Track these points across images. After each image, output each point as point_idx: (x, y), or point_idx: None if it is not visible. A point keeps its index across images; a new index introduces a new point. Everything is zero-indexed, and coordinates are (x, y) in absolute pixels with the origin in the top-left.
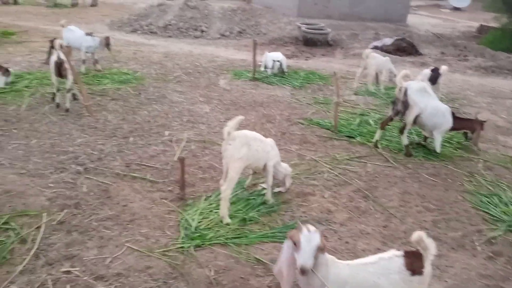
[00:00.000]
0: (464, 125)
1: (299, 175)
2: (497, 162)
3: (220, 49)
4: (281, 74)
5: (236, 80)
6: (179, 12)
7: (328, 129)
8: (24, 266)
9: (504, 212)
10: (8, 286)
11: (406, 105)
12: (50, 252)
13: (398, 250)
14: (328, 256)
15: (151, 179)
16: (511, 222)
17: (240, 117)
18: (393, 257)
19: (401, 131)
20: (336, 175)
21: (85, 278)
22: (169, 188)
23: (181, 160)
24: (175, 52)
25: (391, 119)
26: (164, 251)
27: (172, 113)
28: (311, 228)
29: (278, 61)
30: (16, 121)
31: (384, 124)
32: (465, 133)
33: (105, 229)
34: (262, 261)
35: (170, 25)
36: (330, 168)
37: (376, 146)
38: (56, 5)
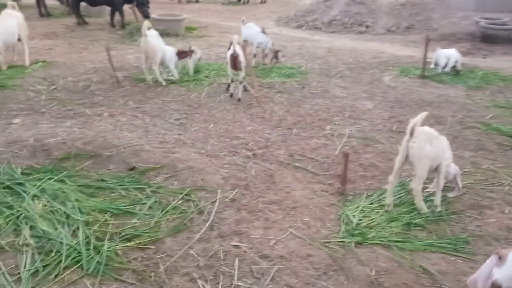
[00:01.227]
0: None
1: (473, 185)
2: None
3: (386, 44)
4: (454, 72)
5: (402, 77)
6: (344, 8)
7: (510, 137)
8: (200, 235)
9: None
10: (188, 250)
11: None
12: (222, 226)
13: None
14: None
15: (312, 170)
16: None
17: (424, 113)
18: None
19: None
20: None
21: (251, 254)
22: (329, 182)
23: (345, 155)
24: (338, 47)
25: None
26: (324, 242)
27: (334, 108)
28: None
29: (453, 60)
30: (197, 106)
31: None
32: None
33: (270, 212)
34: (428, 270)
35: (334, 20)
36: (511, 181)
37: None
38: (230, 3)
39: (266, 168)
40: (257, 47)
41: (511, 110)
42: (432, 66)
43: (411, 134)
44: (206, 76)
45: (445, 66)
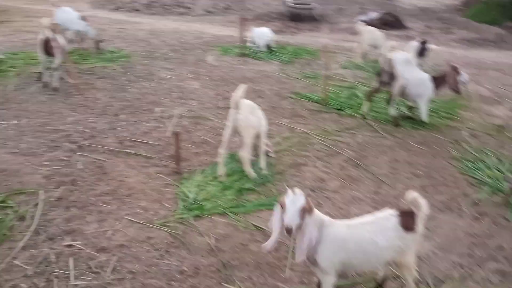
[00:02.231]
0: (442, 78)
1: (291, 147)
2: (481, 129)
3: (206, 25)
4: (269, 49)
5: (224, 56)
6: None
7: (317, 103)
8: (25, 242)
9: (489, 176)
10: (11, 261)
11: (392, 76)
12: (50, 228)
13: (393, 209)
14: (324, 217)
15: (145, 154)
16: (495, 184)
17: (244, 86)
18: (389, 216)
19: (388, 102)
20: (327, 146)
21: (87, 250)
22: (164, 163)
23: (176, 135)
24: (161, 29)
25: (377, 90)
26: (164, 222)
27: (162, 90)
28: (297, 191)
29: (266, 38)
30: (4, 101)
31: (370, 95)
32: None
33: (103, 203)
34: (260, 227)
35: (154, 2)
36: (321, 140)
37: (364, 117)
38: None
39: (94, 159)
40: (74, 33)
41: (317, 79)
42: (249, 44)
43: (236, 107)
44: (11, 66)
45: (260, 44)
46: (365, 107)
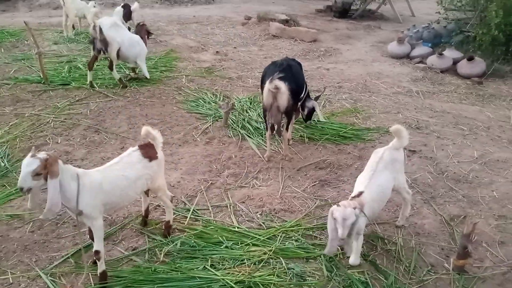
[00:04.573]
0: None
1: (24, 133)
2: (195, 74)
3: None
4: None
5: None
6: None
7: (39, 83)
8: None
9: (208, 108)
10: None
11: (105, 42)
12: None
13: (134, 146)
14: (78, 169)
15: None
16: (215, 114)
17: None
18: (131, 152)
19: (110, 67)
20: (63, 121)
21: None
22: None
23: None
24: None
25: (95, 58)
26: None
27: None
28: (37, 154)
29: None
30: None
31: (91, 64)
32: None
33: None
34: (15, 215)
35: None
36: (55, 117)
37: (92, 86)
38: None
39: None
40: None
41: (30, 60)
42: None
43: None
44: None
45: None
46: (89, 76)
